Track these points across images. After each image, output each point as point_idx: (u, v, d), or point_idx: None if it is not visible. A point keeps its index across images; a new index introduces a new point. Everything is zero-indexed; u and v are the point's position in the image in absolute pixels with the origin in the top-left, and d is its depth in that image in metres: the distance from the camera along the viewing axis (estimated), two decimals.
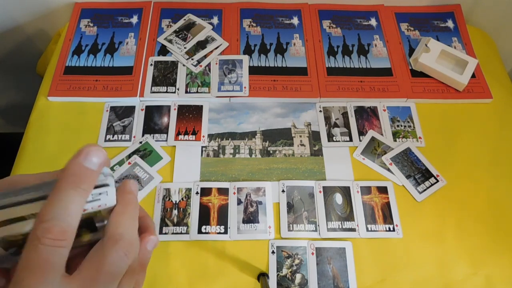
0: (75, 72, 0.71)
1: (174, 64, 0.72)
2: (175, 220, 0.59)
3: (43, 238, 0.20)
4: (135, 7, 0.79)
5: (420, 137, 0.67)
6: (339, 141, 0.67)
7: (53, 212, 0.21)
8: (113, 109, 0.68)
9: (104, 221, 0.25)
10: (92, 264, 0.22)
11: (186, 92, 0.69)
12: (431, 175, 0.63)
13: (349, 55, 0.74)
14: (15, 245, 0.23)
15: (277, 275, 0.56)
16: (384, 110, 0.69)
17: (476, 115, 0.70)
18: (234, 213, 0.60)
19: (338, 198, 0.61)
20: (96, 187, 0.24)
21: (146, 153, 0.64)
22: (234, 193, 0.61)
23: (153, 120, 0.68)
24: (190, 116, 0.68)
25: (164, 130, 0.67)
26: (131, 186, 0.27)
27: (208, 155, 0.65)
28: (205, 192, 0.61)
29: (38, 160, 0.64)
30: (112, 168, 0.62)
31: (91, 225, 0.25)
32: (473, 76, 0.71)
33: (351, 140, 0.67)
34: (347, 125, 0.68)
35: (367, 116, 0.69)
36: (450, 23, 0.79)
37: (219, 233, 0.58)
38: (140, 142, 0.65)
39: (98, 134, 0.66)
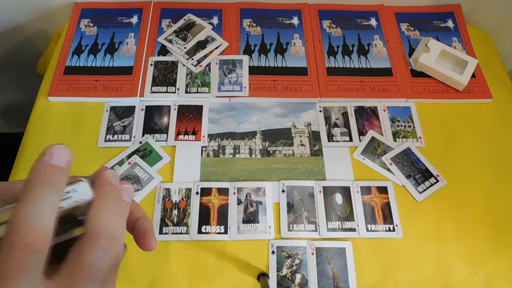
0: (75, 72, 0.71)
1: (174, 64, 0.72)
2: (175, 220, 0.59)
3: (17, 243, 0.19)
4: (135, 7, 0.79)
5: (420, 137, 0.67)
6: (339, 141, 0.67)
7: (25, 214, 0.20)
8: (113, 109, 0.68)
9: (85, 214, 0.24)
10: (72, 264, 0.21)
11: (186, 92, 0.69)
12: (431, 175, 0.63)
13: (349, 55, 0.74)
14: None
15: (277, 275, 0.56)
16: (384, 110, 0.69)
17: (476, 115, 0.70)
18: (234, 213, 0.60)
19: (338, 198, 0.61)
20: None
21: (146, 153, 0.64)
22: (234, 193, 0.61)
23: (153, 120, 0.68)
24: (190, 116, 0.68)
25: (164, 130, 0.67)
26: (108, 177, 0.25)
27: (208, 155, 0.65)
28: (205, 192, 0.61)
29: None
30: (112, 168, 0.62)
31: (75, 219, 0.24)
32: (473, 76, 0.71)
33: (351, 140, 0.67)
34: (347, 125, 0.68)
35: (367, 116, 0.69)
36: (450, 23, 0.79)
37: (219, 233, 0.58)
38: (140, 142, 0.65)
39: (98, 134, 0.66)
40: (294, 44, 0.75)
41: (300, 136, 0.68)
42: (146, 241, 0.26)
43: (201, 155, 0.65)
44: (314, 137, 0.67)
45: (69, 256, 0.22)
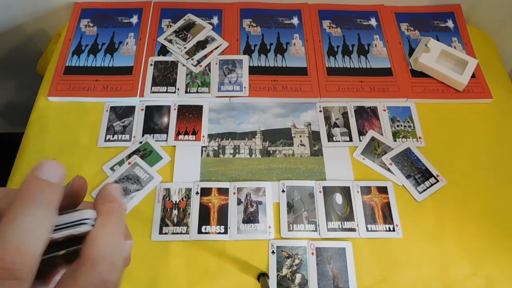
0: (75, 72, 0.71)
1: (174, 64, 0.72)
2: (175, 220, 0.59)
3: None
4: (135, 7, 0.79)
5: (420, 137, 0.67)
6: (339, 141, 0.67)
7: (7, 235, 0.16)
8: (113, 109, 0.68)
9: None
10: None
11: (186, 92, 0.69)
12: (431, 175, 0.63)
13: (349, 55, 0.74)
14: None
15: (277, 275, 0.56)
16: (384, 110, 0.69)
17: (476, 115, 0.70)
18: (234, 213, 0.60)
19: (338, 198, 0.61)
20: (71, 225, 0.20)
21: (146, 153, 0.64)
22: (234, 193, 0.61)
23: (153, 120, 0.68)
24: (190, 116, 0.68)
25: (164, 130, 0.67)
26: (112, 192, 0.22)
27: (208, 155, 0.65)
28: (205, 192, 0.61)
29: (38, 160, 0.63)
30: (112, 168, 0.62)
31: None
32: (473, 76, 0.71)
33: (351, 140, 0.67)
34: (347, 125, 0.68)
35: (367, 116, 0.69)
36: (450, 23, 0.79)
37: (219, 233, 0.58)
38: (140, 142, 0.65)
39: (98, 134, 0.66)
40: (294, 44, 0.75)
41: (300, 136, 0.68)
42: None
43: (201, 155, 0.65)
44: (314, 137, 0.67)
45: (62, 280, 0.19)
